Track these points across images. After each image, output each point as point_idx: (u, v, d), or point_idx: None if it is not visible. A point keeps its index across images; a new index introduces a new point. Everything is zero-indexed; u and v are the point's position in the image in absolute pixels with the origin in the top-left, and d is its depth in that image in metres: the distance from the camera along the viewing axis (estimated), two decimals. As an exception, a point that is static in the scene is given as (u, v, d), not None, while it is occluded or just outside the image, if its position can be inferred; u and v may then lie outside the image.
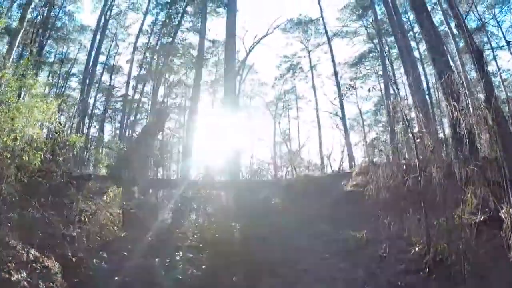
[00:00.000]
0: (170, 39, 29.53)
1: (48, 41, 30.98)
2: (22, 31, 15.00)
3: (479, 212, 6.95)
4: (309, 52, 32.86)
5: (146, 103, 33.97)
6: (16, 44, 14.47)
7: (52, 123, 10.34)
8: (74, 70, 33.94)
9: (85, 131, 29.37)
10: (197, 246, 6.78)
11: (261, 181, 13.24)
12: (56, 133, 10.90)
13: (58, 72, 32.78)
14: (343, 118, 25.78)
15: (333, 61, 27.49)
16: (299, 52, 33.67)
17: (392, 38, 25.25)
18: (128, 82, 31.13)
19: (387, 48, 27.44)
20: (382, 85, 26.60)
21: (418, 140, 7.34)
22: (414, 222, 6.42)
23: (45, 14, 24.91)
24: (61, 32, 31.10)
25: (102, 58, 31.14)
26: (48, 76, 33.34)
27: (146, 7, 29.99)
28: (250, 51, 25.37)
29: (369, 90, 28.96)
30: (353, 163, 20.47)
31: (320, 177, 14.10)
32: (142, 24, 29.89)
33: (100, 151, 23.01)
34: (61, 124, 11.54)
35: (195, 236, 6.99)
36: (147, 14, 29.85)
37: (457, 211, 7.05)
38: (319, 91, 32.10)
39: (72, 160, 12.78)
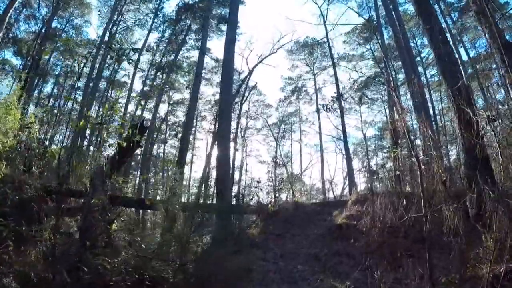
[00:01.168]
0: (174, 56, 28.61)
1: (54, 54, 30.39)
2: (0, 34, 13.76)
3: (503, 261, 5.08)
4: (314, 74, 31.64)
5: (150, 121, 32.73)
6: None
7: (30, 133, 9.29)
8: (80, 84, 33.15)
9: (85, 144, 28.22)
10: (127, 285, 4.99)
11: (247, 206, 11.44)
12: (33, 143, 9.68)
13: (63, 84, 32.04)
14: (345, 143, 24.05)
15: (337, 85, 25.98)
16: (304, 75, 32.60)
17: (399, 63, 23.91)
18: (128, 98, 29.89)
19: (393, 73, 25.90)
20: (387, 111, 25.12)
21: (424, 166, 5.57)
22: (414, 275, 4.56)
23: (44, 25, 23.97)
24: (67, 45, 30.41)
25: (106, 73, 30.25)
26: (53, 89, 32.65)
27: (151, 24, 29.12)
28: (253, 70, 24.02)
29: (360, 99, 27.37)
30: (353, 190, 18.54)
31: (311, 204, 12.21)
32: (145, 41, 28.98)
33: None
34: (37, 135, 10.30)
35: (128, 272, 5.19)
36: (151, 31, 29.00)
37: (472, 259, 5.20)
38: (323, 114, 30.58)
39: (52, 174, 11.35)
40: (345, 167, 25.37)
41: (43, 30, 26.20)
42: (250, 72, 23.60)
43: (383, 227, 6.80)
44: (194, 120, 30.42)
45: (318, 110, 30.14)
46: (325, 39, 27.00)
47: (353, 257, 6.65)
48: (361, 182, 26.31)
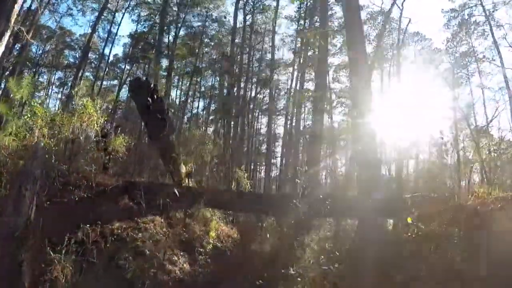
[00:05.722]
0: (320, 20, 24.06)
1: (206, 49, 30.56)
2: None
3: None
4: (480, -2, 22.20)
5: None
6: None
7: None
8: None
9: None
10: None
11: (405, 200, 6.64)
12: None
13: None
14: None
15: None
16: (468, 2, 23.57)
17: None
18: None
19: None
20: None
21: None
22: None
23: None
24: (216, 39, 30.16)
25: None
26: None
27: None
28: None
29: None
30: None
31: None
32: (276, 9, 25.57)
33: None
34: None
35: None
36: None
37: None
38: (504, 45, 21.29)
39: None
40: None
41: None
42: (394, 3, 16.04)
43: None
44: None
45: (495, 42, 21.26)
46: None
47: None
48: None
